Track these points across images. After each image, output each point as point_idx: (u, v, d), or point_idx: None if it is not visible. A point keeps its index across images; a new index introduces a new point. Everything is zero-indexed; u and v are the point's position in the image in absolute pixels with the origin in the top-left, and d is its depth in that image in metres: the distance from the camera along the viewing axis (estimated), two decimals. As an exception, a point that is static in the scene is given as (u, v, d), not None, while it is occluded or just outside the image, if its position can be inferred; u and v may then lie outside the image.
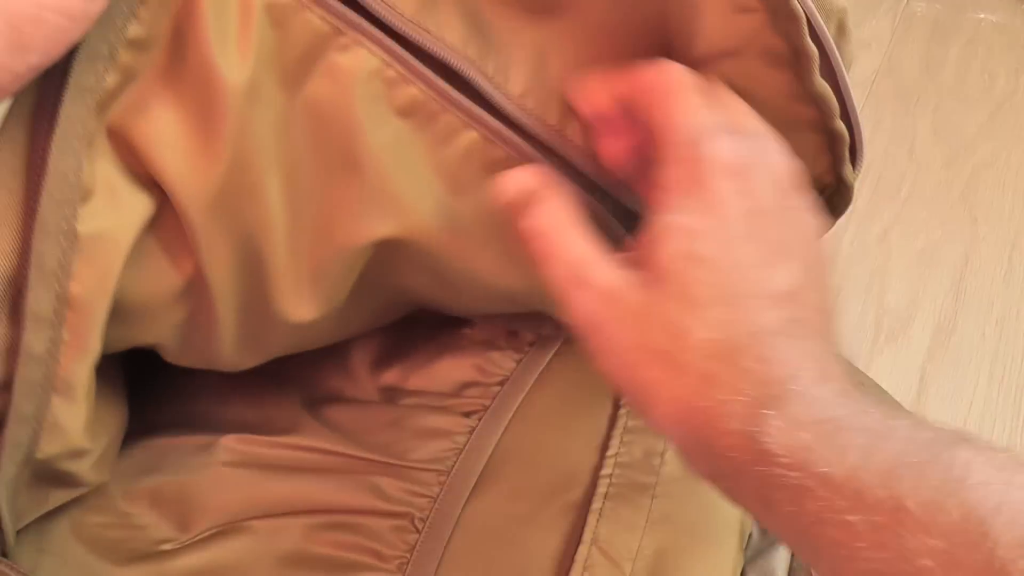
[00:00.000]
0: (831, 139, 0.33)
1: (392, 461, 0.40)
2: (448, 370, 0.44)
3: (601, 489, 0.39)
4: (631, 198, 0.35)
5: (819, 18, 0.31)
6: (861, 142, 0.34)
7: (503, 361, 0.44)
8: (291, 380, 0.42)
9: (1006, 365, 0.80)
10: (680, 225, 0.29)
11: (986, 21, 1.13)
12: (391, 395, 0.44)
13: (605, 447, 0.41)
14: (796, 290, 0.29)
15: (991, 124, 1.00)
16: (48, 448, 0.32)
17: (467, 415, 0.42)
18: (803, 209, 0.31)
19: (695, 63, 0.32)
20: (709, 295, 0.28)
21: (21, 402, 0.30)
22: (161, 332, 0.35)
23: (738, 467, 0.26)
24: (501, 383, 0.43)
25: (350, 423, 0.42)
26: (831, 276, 0.31)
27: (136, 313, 0.33)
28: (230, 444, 0.40)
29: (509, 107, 0.32)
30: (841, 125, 0.33)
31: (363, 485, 0.39)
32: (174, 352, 0.37)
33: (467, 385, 0.44)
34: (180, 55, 0.30)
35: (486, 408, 0.42)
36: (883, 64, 1.07)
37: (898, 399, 0.79)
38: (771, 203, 0.30)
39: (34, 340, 0.29)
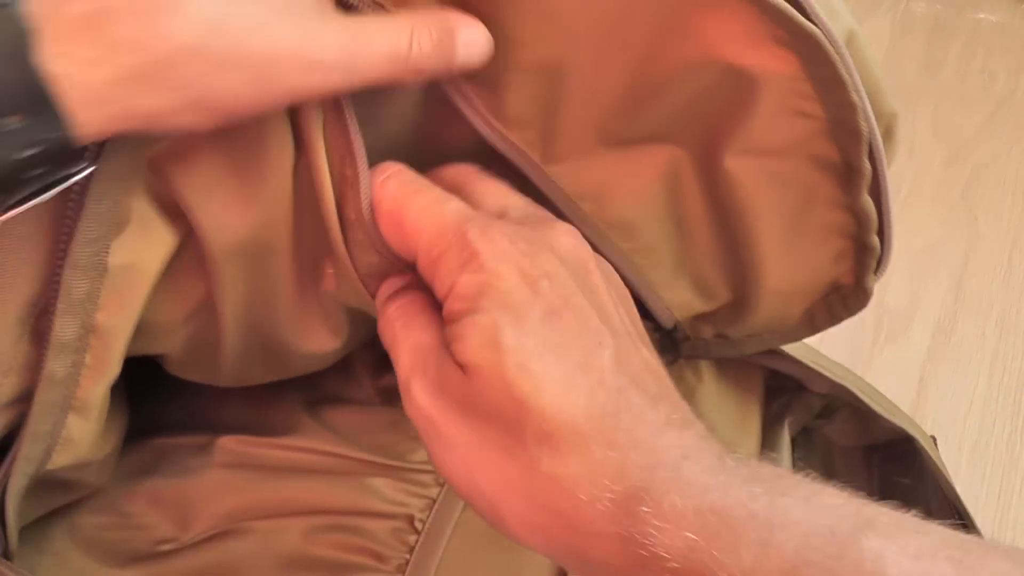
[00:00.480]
0: (860, 249, 0.33)
1: (391, 463, 0.40)
2: None
3: None
4: None
5: (879, 139, 0.30)
6: (889, 254, 0.33)
7: None
8: (291, 382, 0.42)
9: (1006, 365, 0.79)
10: (477, 322, 0.27)
11: (986, 21, 1.12)
12: (392, 397, 0.43)
13: None
14: (618, 357, 0.27)
15: (991, 124, 1.00)
16: (58, 461, 0.32)
17: None
18: (595, 272, 0.30)
19: (731, 152, 0.31)
20: (531, 383, 0.25)
21: (38, 421, 0.30)
22: (169, 345, 0.35)
23: (621, 574, 0.24)
24: None
25: (349, 424, 0.41)
26: (644, 333, 0.30)
27: (146, 329, 0.33)
28: (228, 445, 0.40)
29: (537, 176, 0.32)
30: (875, 240, 0.32)
31: (362, 487, 0.39)
32: (179, 365, 0.37)
33: None
34: None
35: None
36: (883, 64, 1.07)
37: (898, 399, 0.79)
38: (562, 276, 0.28)
39: (57, 366, 0.29)
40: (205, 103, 0.23)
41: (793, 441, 0.47)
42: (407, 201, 0.29)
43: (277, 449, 0.40)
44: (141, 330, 0.32)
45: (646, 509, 0.23)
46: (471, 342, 0.26)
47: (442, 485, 0.40)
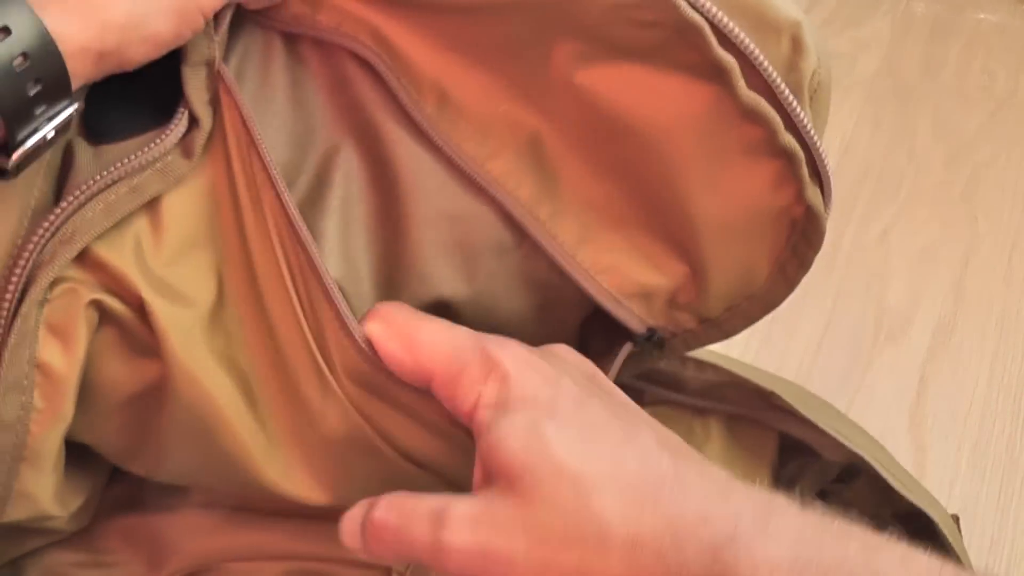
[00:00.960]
0: (787, 160, 0.31)
1: None
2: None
3: None
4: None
5: (729, 24, 0.29)
6: (823, 163, 0.32)
7: None
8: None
9: (1006, 365, 0.79)
10: (514, 423, 0.27)
11: (986, 21, 1.12)
12: None
13: None
14: (656, 431, 0.28)
15: (991, 124, 1.00)
16: (15, 514, 0.32)
17: None
18: (603, 377, 0.31)
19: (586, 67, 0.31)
20: (582, 462, 0.26)
21: None
22: (105, 429, 0.34)
23: None
24: None
25: None
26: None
27: (93, 398, 0.32)
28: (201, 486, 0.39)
29: (424, 123, 0.33)
30: (789, 139, 0.30)
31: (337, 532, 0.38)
32: (117, 454, 0.36)
33: None
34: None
35: None
36: (883, 64, 1.07)
37: (898, 399, 0.79)
38: (577, 375, 0.30)
39: (4, 407, 0.29)
40: (144, 34, 0.29)
41: None
42: (418, 327, 0.31)
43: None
44: (91, 398, 0.32)
45: (734, 555, 0.23)
46: (513, 443, 0.26)
47: None
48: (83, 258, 0.30)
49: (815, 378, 0.77)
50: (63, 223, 0.29)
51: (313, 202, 0.33)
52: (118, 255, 0.30)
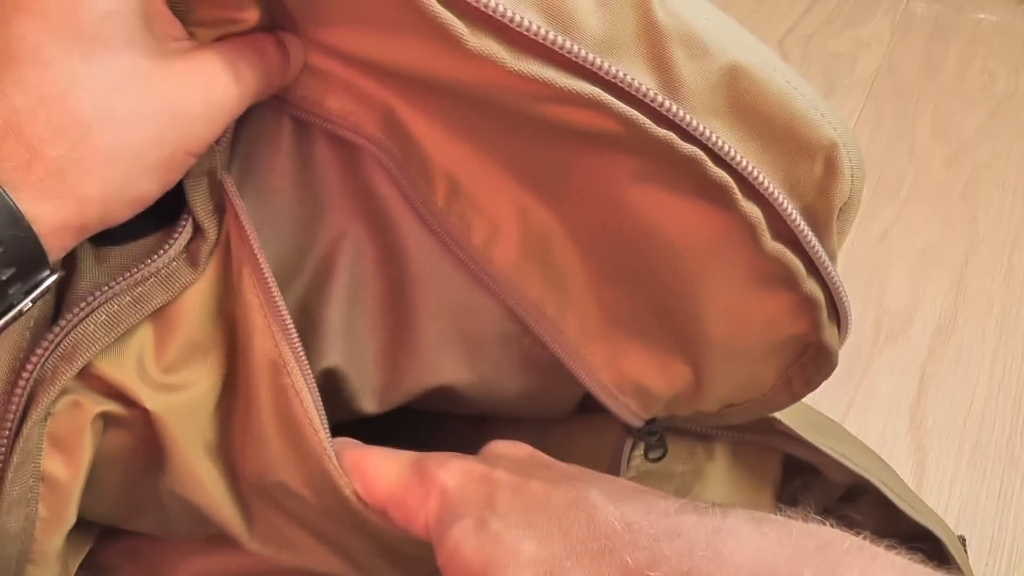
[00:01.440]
0: (807, 300, 0.30)
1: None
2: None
3: None
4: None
5: (759, 176, 0.27)
6: (843, 303, 0.30)
7: None
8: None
9: (1006, 365, 0.79)
10: (462, 528, 0.28)
11: (986, 21, 1.12)
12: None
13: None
14: (603, 489, 0.28)
15: (991, 124, 1.00)
16: None
17: None
18: (540, 454, 0.31)
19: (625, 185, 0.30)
20: (547, 553, 0.26)
21: None
22: (107, 502, 0.34)
23: None
24: None
25: None
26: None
27: (95, 483, 0.32)
28: None
29: (433, 216, 0.32)
30: (813, 287, 0.29)
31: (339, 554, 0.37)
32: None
33: None
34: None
35: None
36: (883, 64, 1.07)
37: (898, 399, 0.79)
38: (513, 462, 0.30)
39: (9, 520, 0.29)
40: (128, 198, 0.27)
41: None
42: (365, 461, 0.31)
43: None
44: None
45: None
46: (466, 547, 0.27)
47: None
48: (84, 372, 0.30)
49: (815, 378, 0.77)
50: (64, 337, 0.29)
51: (318, 289, 0.33)
52: (119, 368, 0.30)
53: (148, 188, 0.28)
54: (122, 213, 0.27)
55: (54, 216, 0.25)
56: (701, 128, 0.26)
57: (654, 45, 0.26)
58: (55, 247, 0.26)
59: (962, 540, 0.41)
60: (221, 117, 0.29)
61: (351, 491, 0.31)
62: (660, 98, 0.26)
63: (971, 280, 0.85)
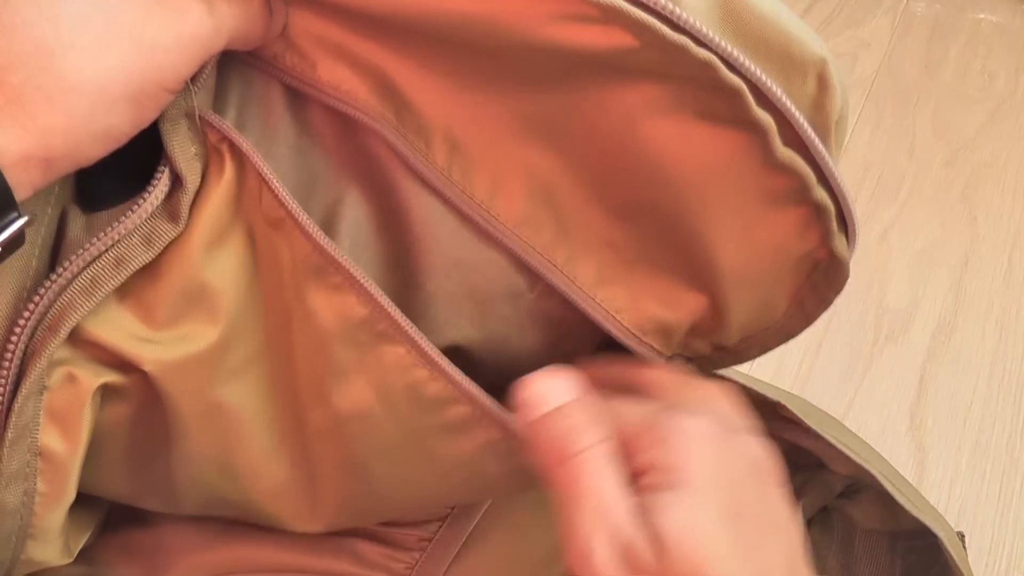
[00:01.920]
0: (816, 211, 0.30)
1: (372, 526, 0.38)
2: None
3: None
4: None
5: (766, 82, 0.27)
6: (849, 211, 0.31)
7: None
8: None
9: (1006, 365, 0.79)
10: (683, 499, 0.27)
11: (986, 21, 1.12)
12: None
13: None
14: (790, 564, 0.28)
15: (991, 124, 1.00)
16: (20, 572, 0.32)
17: None
18: (781, 498, 0.30)
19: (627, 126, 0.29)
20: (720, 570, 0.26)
21: None
22: (114, 478, 0.34)
23: None
24: None
25: None
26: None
27: (98, 454, 0.32)
28: None
29: (435, 177, 0.31)
30: (822, 194, 0.30)
31: (340, 547, 0.37)
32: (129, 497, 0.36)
33: None
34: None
35: None
36: (883, 64, 1.07)
37: (898, 399, 0.79)
38: (754, 486, 0.29)
39: (7, 496, 0.29)
40: (96, 131, 0.26)
41: (810, 521, 0.44)
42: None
43: None
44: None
45: None
46: (676, 515, 0.27)
47: (424, 550, 0.38)
48: (79, 339, 0.29)
49: (815, 378, 0.77)
50: (51, 306, 0.28)
51: None
52: (113, 330, 0.29)
53: (117, 123, 0.26)
54: (92, 149, 0.26)
55: (16, 145, 0.25)
56: (711, 35, 0.26)
57: None
58: (21, 182, 0.25)
59: (961, 536, 0.41)
60: (194, 51, 0.27)
61: (430, 370, 0.30)
62: (671, 6, 0.26)
63: (971, 280, 0.85)
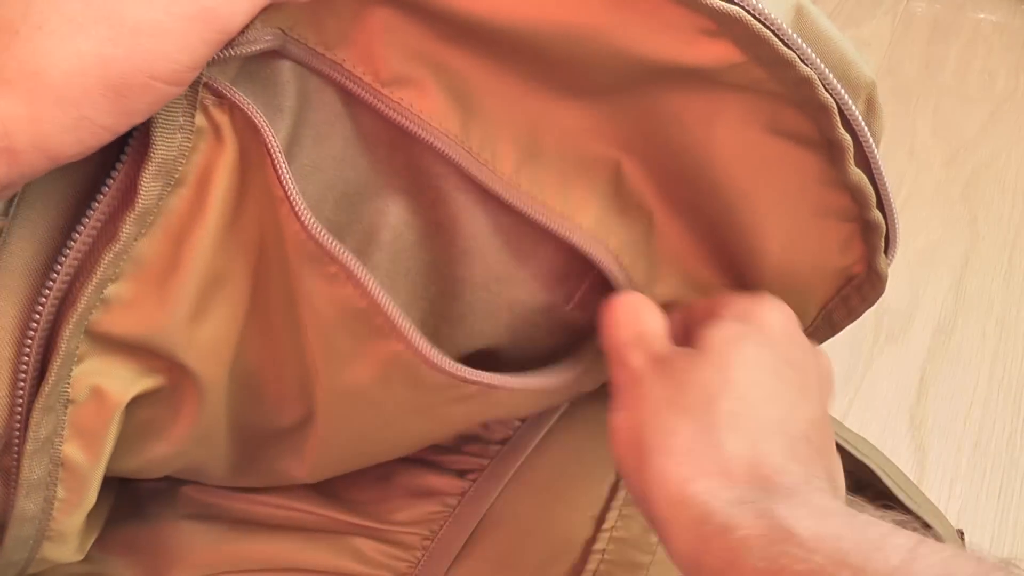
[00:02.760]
0: (866, 229, 0.31)
1: (373, 524, 0.38)
2: None
3: (591, 565, 0.36)
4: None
5: (853, 108, 0.29)
6: (895, 231, 0.32)
7: (508, 419, 0.41)
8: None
9: (1006, 365, 0.79)
10: (732, 324, 0.30)
11: (986, 21, 1.12)
12: None
13: (602, 520, 0.38)
14: (814, 428, 0.28)
15: (991, 124, 1.00)
16: (33, 570, 0.32)
17: (462, 475, 0.40)
18: (818, 355, 0.32)
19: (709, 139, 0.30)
20: (746, 380, 0.28)
21: (11, 551, 0.29)
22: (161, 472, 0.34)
23: (744, 548, 0.24)
24: (502, 442, 0.41)
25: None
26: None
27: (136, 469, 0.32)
28: (189, 494, 0.38)
29: (501, 187, 0.30)
30: (878, 215, 0.31)
31: (342, 546, 0.37)
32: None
33: (468, 440, 0.41)
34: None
35: (483, 469, 0.40)
36: (883, 64, 1.07)
37: (898, 399, 0.79)
38: (807, 372, 0.30)
39: (28, 504, 0.29)
40: (67, 123, 0.24)
41: None
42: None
43: (244, 503, 0.38)
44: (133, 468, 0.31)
45: (792, 501, 0.25)
46: (716, 332, 0.29)
47: (426, 548, 0.38)
48: (101, 340, 0.28)
49: (815, 378, 0.77)
50: (59, 305, 0.27)
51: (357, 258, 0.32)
52: (134, 323, 0.28)
53: (93, 114, 0.23)
54: (63, 142, 0.23)
55: None
56: (811, 53, 0.27)
57: None
58: None
59: (960, 534, 0.42)
60: (196, 33, 0.23)
61: (429, 367, 0.30)
62: (780, 22, 0.27)
63: (971, 280, 0.85)
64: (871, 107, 0.30)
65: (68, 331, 0.27)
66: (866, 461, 0.39)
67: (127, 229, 0.26)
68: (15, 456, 0.28)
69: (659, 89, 0.29)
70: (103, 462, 0.30)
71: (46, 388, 0.27)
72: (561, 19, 0.26)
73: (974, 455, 0.73)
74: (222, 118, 0.27)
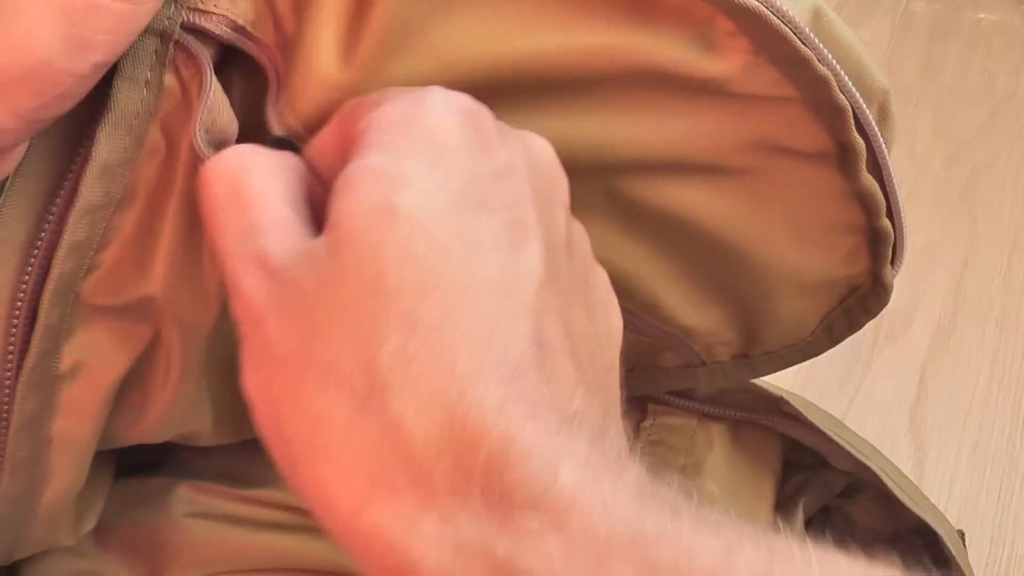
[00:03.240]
0: (873, 239, 0.30)
1: None
2: None
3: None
4: None
5: (867, 112, 0.28)
6: (904, 241, 0.31)
7: None
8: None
9: (1006, 365, 0.79)
10: (380, 167, 0.18)
11: (986, 21, 1.12)
12: None
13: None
14: (554, 306, 0.19)
15: (991, 124, 1.00)
16: (22, 553, 0.31)
17: None
18: (563, 205, 0.22)
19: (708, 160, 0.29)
20: (413, 281, 0.17)
21: None
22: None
23: None
24: None
25: None
26: (612, 303, 0.23)
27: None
28: (186, 494, 0.38)
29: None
30: (886, 224, 0.30)
31: (338, 545, 0.37)
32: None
33: None
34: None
35: None
36: (883, 64, 1.07)
37: (898, 399, 0.79)
38: (520, 175, 0.20)
39: (12, 485, 0.28)
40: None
41: (810, 521, 0.44)
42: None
43: (244, 502, 0.38)
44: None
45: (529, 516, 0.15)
46: (359, 193, 0.18)
47: None
48: (87, 311, 0.27)
49: (815, 378, 0.77)
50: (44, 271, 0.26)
51: None
52: (117, 289, 0.27)
53: (40, 32, 0.19)
54: (22, 92, 0.20)
55: None
56: (827, 53, 0.27)
57: None
58: None
59: (961, 535, 0.41)
60: None
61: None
62: (797, 19, 0.26)
63: (971, 280, 0.85)
64: (884, 115, 0.29)
65: (47, 300, 0.25)
66: (866, 462, 0.39)
67: (87, 185, 0.25)
68: (2, 435, 0.27)
69: (672, 102, 0.28)
70: (95, 438, 0.29)
71: (29, 361, 0.26)
72: (575, 46, 0.26)
73: (974, 455, 0.73)
74: (192, 79, 0.25)
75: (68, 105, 0.22)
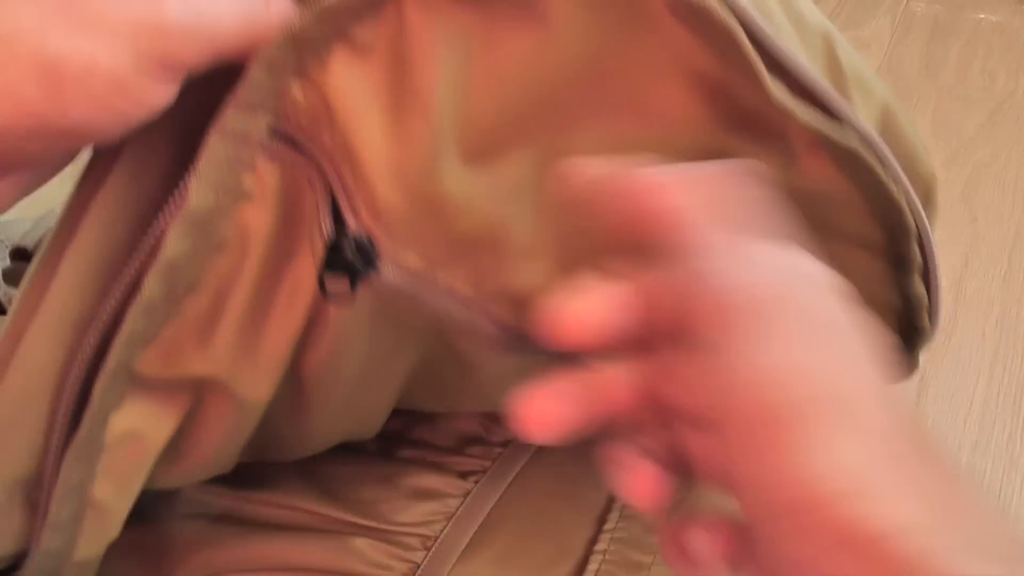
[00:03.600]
0: (907, 328, 0.32)
1: (374, 524, 0.38)
2: (455, 421, 0.42)
3: (593, 566, 0.37)
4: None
5: (928, 228, 0.29)
6: (937, 315, 0.32)
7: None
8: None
9: (1006, 365, 0.79)
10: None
11: (986, 21, 1.12)
12: (390, 443, 0.42)
13: (603, 520, 0.38)
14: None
15: (991, 124, 1.00)
16: None
17: (464, 476, 0.40)
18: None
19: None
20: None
21: None
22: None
23: None
24: (505, 443, 0.41)
25: (339, 474, 0.40)
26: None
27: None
28: (188, 495, 0.38)
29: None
30: (927, 322, 0.31)
31: (343, 547, 0.37)
32: None
33: (470, 441, 0.41)
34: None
35: (485, 470, 0.40)
36: (883, 64, 1.07)
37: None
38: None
39: (52, 541, 0.28)
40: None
41: None
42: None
43: (246, 503, 0.38)
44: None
45: None
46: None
47: (428, 549, 0.38)
48: (138, 383, 0.27)
49: (815, 378, 0.77)
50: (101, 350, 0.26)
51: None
52: (171, 363, 0.27)
53: (20, 88, 0.19)
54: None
55: None
56: (902, 175, 0.28)
57: (840, 85, 0.28)
58: None
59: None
60: (146, 39, 0.20)
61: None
62: (872, 136, 0.27)
63: (971, 280, 0.85)
64: (928, 200, 0.30)
65: (101, 385, 0.26)
66: None
67: (151, 285, 0.25)
68: (46, 494, 0.28)
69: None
70: (132, 499, 0.30)
71: (80, 436, 0.27)
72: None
73: (974, 455, 0.73)
74: (271, 179, 0.25)
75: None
